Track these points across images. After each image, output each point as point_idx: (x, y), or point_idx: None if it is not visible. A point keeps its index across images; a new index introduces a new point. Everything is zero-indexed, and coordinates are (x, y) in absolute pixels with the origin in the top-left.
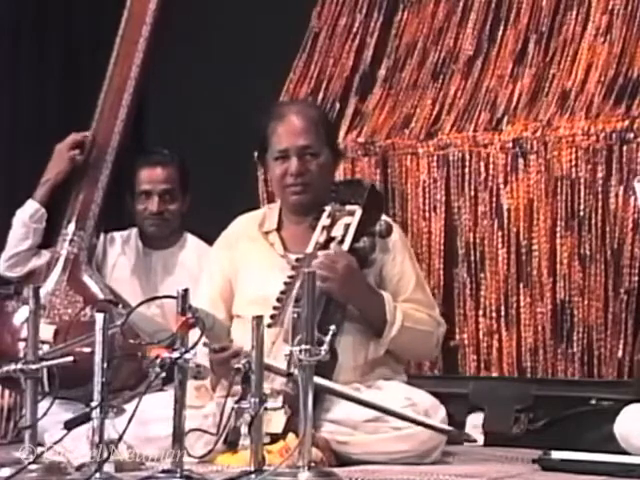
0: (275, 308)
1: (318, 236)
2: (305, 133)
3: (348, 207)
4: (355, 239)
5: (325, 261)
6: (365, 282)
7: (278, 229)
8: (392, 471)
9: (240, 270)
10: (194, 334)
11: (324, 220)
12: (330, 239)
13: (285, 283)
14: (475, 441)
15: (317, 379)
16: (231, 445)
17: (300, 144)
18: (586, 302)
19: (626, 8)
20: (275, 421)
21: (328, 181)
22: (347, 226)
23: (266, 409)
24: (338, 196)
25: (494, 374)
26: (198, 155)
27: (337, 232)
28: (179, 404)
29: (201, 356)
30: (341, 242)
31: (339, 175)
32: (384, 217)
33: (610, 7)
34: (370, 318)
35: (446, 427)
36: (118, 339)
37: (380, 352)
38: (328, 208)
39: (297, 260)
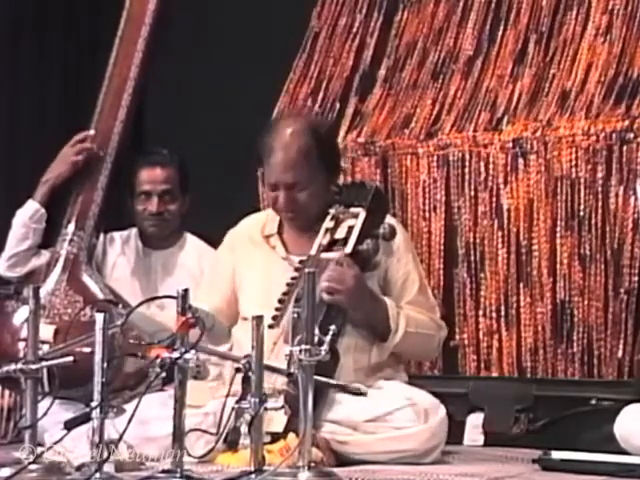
0: (277, 309)
1: (321, 238)
2: (292, 169)
3: (352, 209)
4: (358, 241)
5: (334, 274)
6: (369, 291)
7: (280, 232)
8: (392, 471)
9: (243, 273)
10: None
11: (328, 222)
12: (333, 241)
13: (287, 284)
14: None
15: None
16: (231, 445)
17: (287, 182)
18: (586, 302)
19: (626, 8)
20: (276, 420)
21: (322, 202)
22: (350, 228)
23: (266, 409)
24: (342, 198)
25: (494, 374)
26: (198, 155)
27: (340, 234)
28: (179, 404)
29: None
30: (344, 244)
31: (341, 176)
32: (388, 219)
33: (610, 7)
34: (374, 324)
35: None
36: (118, 339)
37: (383, 357)
38: (332, 210)
39: (300, 262)
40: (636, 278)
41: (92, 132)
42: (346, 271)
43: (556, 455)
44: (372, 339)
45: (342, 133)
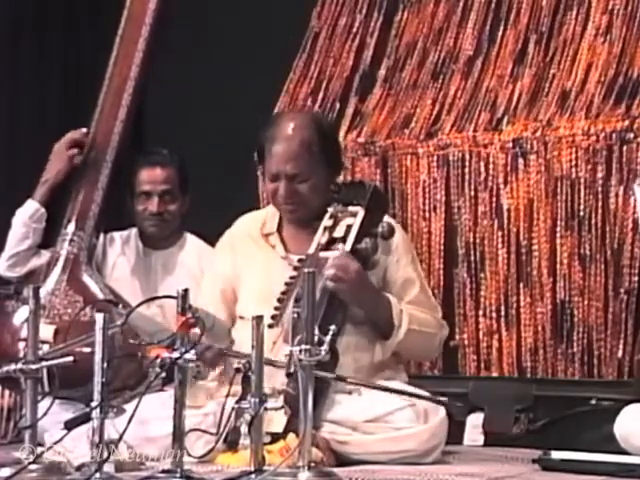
0: (276, 308)
1: (320, 237)
2: (294, 160)
3: (350, 208)
4: (357, 240)
5: (338, 262)
6: (372, 286)
7: (279, 231)
8: (392, 471)
9: (242, 272)
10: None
11: (326, 221)
12: (332, 240)
13: (286, 283)
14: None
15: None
16: (231, 445)
17: (289, 172)
18: (586, 302)
19: (626, 8)
20: (276, 420)
21: (322, 196)
22: (349, 227)
23: (266, 409)
24: (340, 197)
25: (494, 374)
26: (198, 155)
27: (339, 233)
28: (179, 404)
29: None
30: (343, 243)
31: (340, 176)
32: (387, 218)
33: (610, 7)
34: (376, 321)
35: (444, 400)
36: (118, 339)
37: (387, 355)
38: (330, 209)
39: (299, 261)
40: (636, 278)
41: (84, 130)
42: (350, 262)
43: (556, 455)
44: (373, 337)
45: (342, 133)
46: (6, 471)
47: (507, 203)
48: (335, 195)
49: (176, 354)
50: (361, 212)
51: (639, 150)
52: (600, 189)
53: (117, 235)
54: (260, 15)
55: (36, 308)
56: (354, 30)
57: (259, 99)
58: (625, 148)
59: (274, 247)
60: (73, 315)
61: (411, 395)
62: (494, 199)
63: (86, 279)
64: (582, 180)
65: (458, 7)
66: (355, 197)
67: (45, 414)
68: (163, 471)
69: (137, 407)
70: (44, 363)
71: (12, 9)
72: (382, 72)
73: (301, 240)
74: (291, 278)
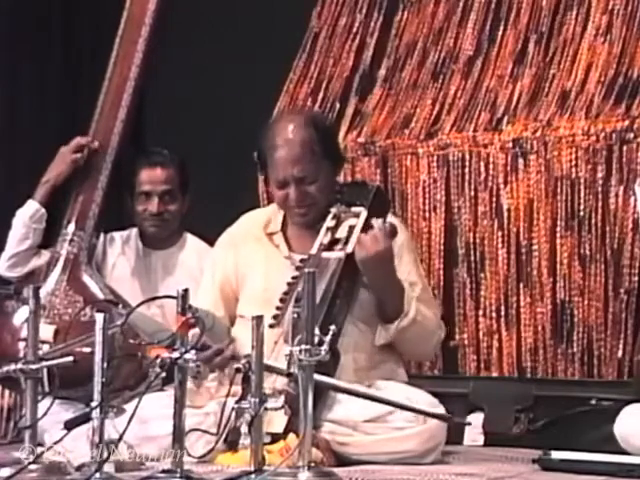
0: (278, 308)
1: (322, 237)
2: (299, 163)
3: (353, 209)
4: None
5: (373, 233)
6: (394, 268)
7: (283, 230)
8: (392, 471)
9: (244, 271)
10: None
11: (329, 222)
12: (335, 240)
13: (288, 284)
14: (469, 424)
15: (320, 377)
16: (231, 445)
17: (297, 175)
18: (586, 302)
19: (626, 8)
20: (276, 420)
21: (330, 193)
22: (352, 228)
23: (266, 409)
24: (343, 198)
25: (494, 374)
26: (198, 155)
27: (342, 234)
28: (179, 404)
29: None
30: (345, 243)
31: (341, 176)
32: (390, 218)
33: (610, 7)
34: (386, 302)
35: (447, 415)
36: (118, 339)
37: (388, 339)
38: (333, 210)
39: (301, 261)
40: (636, 278)
41: (90, 139)
42: (383, 238)
43: (556, 455)
44: (371, 338)
45: (342, 133)
46: (6, 471)
47: (507, 203)
48: (338, 196)
49: (176, 354)
50: (364, 213)
51: (639, 150)
52: (600, 189)
53: (117, 235)
54: (260, 15)
55: (36, 308)
56: (354, 30)
57: (259, 99)
58: (625, 148)
59: (278, 246)
60: (73, 315)
61: (402, 408)
62: (494, 199)
63: (86, 279)
64: (582, 180)
65: (458, 7)
66: (358, 198)
67: (45, 414)
68: (163, 471)
69: (137, 407)
70: (44, 363)
71: (12, 9)
72: (382, 72)
73: (305, 240)
74: (293, 278)
